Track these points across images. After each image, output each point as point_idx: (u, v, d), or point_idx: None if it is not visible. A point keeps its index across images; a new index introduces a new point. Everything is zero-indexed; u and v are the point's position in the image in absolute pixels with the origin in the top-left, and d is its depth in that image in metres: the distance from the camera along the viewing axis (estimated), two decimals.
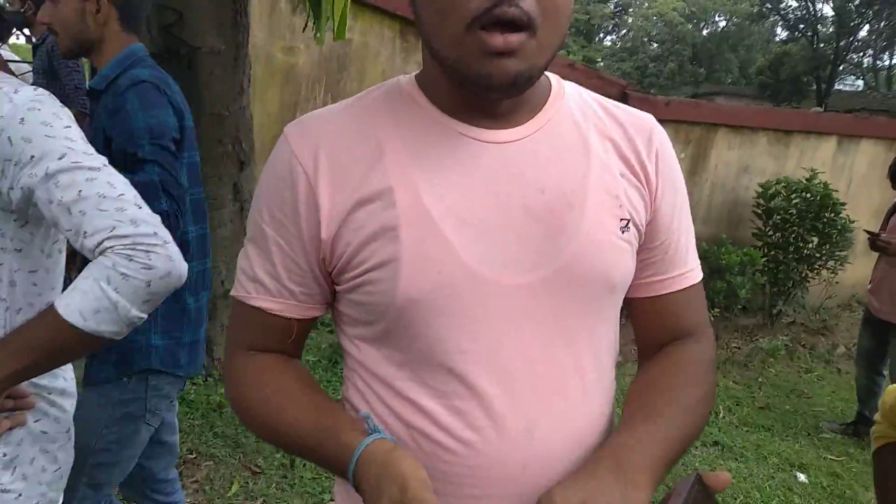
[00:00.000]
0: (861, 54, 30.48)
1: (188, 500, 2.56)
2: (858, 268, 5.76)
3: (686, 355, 0.86)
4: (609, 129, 0.83)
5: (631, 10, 30.63)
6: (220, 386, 3.32)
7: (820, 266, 5.24)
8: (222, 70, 2.85)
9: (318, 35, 2.48)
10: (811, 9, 27.56)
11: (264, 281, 0.81)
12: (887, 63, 31.86)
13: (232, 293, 0.85)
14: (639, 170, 0.82)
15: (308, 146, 0.77)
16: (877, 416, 1.27)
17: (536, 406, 0.77)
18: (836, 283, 5.47)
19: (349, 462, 0.72)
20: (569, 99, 0.84)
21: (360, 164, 0.76)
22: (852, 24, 26.58)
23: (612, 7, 31.50)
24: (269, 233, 0.79)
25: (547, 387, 0.78)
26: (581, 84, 0.89)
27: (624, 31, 32.08)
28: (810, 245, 5.19)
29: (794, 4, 27.61)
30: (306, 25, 2.87)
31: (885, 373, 3.83)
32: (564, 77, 0.88)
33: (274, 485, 2.74)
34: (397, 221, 0.74)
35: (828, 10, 27.68)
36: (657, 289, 0.87)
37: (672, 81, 25.95)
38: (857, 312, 6.26)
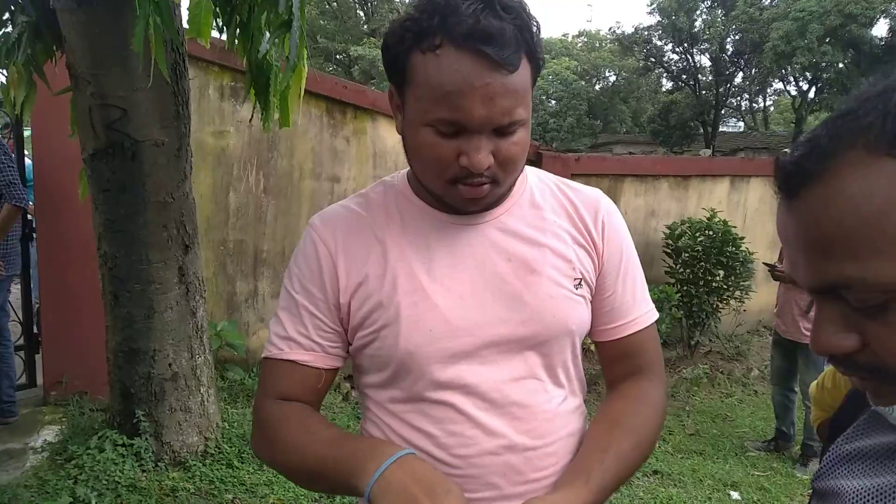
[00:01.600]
0: (739, 98, 33.21)
1: None
2: (761, 295, 6.28)
3: (640, 396, 1.06)
4: (563, 204, 1.06)
5: None
6: (171, 471, 3.29)
7: (728, 297, 5.70)
8: (166, 160, 2.95)
9: (266, 124, 2.64)
10: (690, 60, 29.95)
11: (297, 339, 1.00)
12: (762, 105, 34.82)
13: (265, 355, 1.03)
14: (587, 237, 1.05)
15: (329, 232, 1.01)
16: (812, 406, 1.53)
17: (512, 422, 0.97)
18: (744, 310, 5.95)
19: (374, 471, 0.82)
20: (529, 183, 1.06)
21: (366, 248, 1.00)
22: (727, 72, 29.02)
23: None
24: (300, 300, 1.00)
25: (521, 410, 0.98)
26: None
27: None
28: (717, 278, 5.64)
29: (676, 58, 29.94)
30: (252, 117, 3.03)
31: (797, 389, 4.22)
32: None
33: None
34: (396, 293, 0.96)
35: (705, 61, 30.14)
36: (612, 333, 1.08)
37: (572, 134, 27.38)
38: (765, 336, 6.79)
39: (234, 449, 3.55)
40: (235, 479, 3.32)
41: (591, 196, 1.08)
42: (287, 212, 4.63)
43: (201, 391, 3.41)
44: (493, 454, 0.96)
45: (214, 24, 2.34)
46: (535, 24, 0.87)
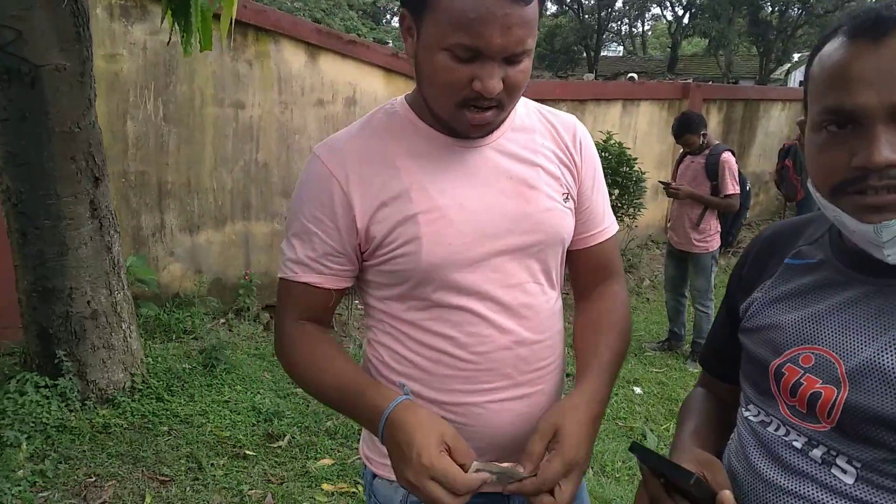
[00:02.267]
0: (619, 23, 34.09)
1: None
2: (651, 212, 6.76)
3: (614, 297, 1.22)
4: (548, 128, 1.16)
5: None
6: (100, 409, 3.23)
7: (622, 214, 6.08)
8: (69, 87, 2.76)
9: (188, 48, 2.51)
10: None
11: (308, 263, 1.09)
12: (640, 30, 35.95)
13: (280, 276, 1.12)
14: (569, 156, 1.16)
15: (338, 163, 1.06)
16: None
17: (521, 321, 1.10)
18: (636, 226, 6.38)
19: (379, 423, 0.97)
20: (519, 110, 1.15)
21: (380, 175, 1.06)
22: None
23: None
24: (311, 228, 1.07)
25: (527, 310, 1.11)
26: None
27: None
28: (613, 197, 5.99)
29: None
30: (170, 40, 2.85)
31: (687, 294, 4.67)
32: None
33: (188, 488, 2.79)
34: (416, 211, 1.04)
35: None
36: (588, 241, 1.22)
37: None
38: (653, 249, 7.35)
39: (161, 383, 3.52)
40: (168, 412, 3.31)
41: (568, 121, 1.20)
42: (190, 140, 4.44)
43: (123, 327, 3.33)
44: (507, 349, 1.09)
45: None
46: None
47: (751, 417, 0.91)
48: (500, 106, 1.00)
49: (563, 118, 1.20)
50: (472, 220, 1.05)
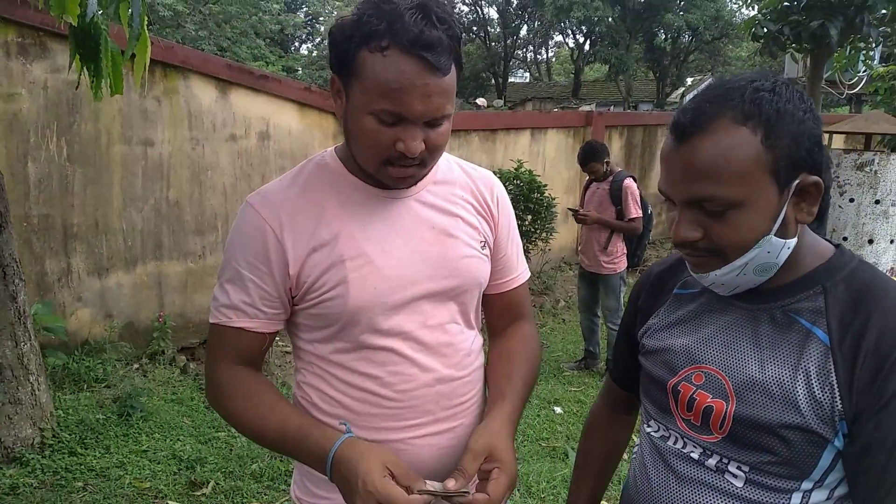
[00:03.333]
0: (525, 50, 35.28)
1: None
2: (562, 235, 7.02)
3: (525, 335, 1.34)
4: (467, 182, 1.27)
5: (322, 18, 31.53)
6: (6, 468, 3.06)
7: (536, 238, 6.30)
8: None
9: (98, 92, 2.46)
10: (480, 12, 31.16)
11: (243, 308, 1.14)
12: (545, 56, 37.32)
13: (212, 321, 1.16)
14: (486, 208, 1.27)
15: (272, 211, 1.13)
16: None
17: (441, 359, 1.19)
18: (549, 250, 6.62)
19: (325, 464, 1.05)
20: (441, 164, 1.25)
21: (311, 223, 1.13)
22: (514, 24, 30.67)
23: (302, 17, 32.04)
24: (245, 274, 1.13)
25: (447, 349, 1.20)
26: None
27: (318, 39, 32.93)
28: (526, 222, 6.21)
29: (466, 10, 30.96)
30: (78, 85, 2.78)
31: (600, 313, 4.89)
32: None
33: None
34: (344, 257, 1.12)
35: (493, 13, 31.51)
36: (502, 287, 1.33)
37: None
38: (566, 271, 7.62)
39: (73, 436, 3.37)
40: (82, 466, 3.17)
41: (486, 176, 1.31)
42: (97, 181, 4.29)
43: (31, 380, 3.18)
44: (428, 386, 1.17)
45: None
46: (462, 33, 1.04)
47: (652, 433, 1.05)
48: (423, 163, 1.09)
49: (482, 173, 1.30)
50: (396, 265, 1.13)
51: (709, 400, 0.94)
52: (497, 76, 31.37)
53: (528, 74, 38.47)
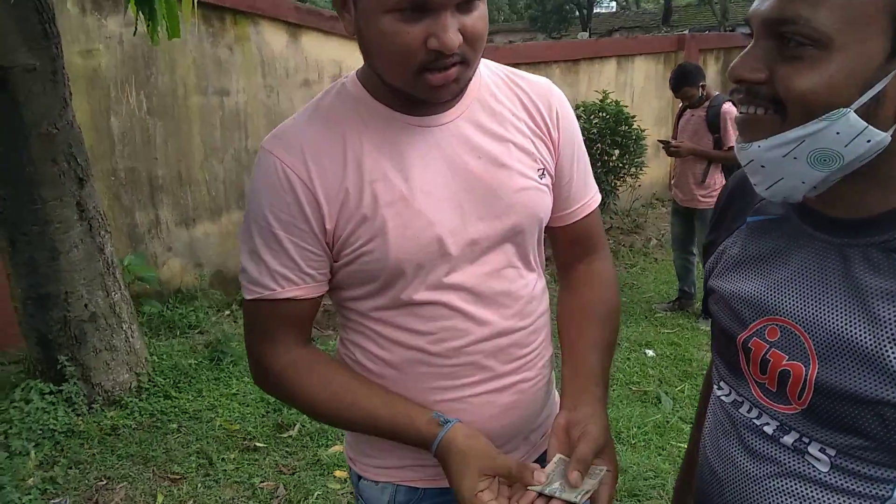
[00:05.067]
0: None
1: None
2: (653, 170, 6.63)
3: (601, 279, 1.14)
4: (518, 95, 1.05)
5: None
6: (107, 411, 3.20)
7: (624, 174, 5.98)
8: (41, 87, 2.68)
9: (155, 36, 2.41)
10: None
11: (287, 275, 0.96)
12: None
13: (250, 298, 0.99)
14: (543, 127, 1.06)
15: (296, 157, 0.94)
16: None
17: (499, 310, 1.02)
18: (639, 186, 6.27)
19: (431, 447, 0.95)
20: (484, 77, 1.05)
21: (338, 166, 0.94)
22: None
23: None
24: (281, 234, 0.95)
25: (505, 298, 1.03)
26: None
27: None
28: (613, 157, 5.88)
29: None
30: (136, 30, 2.75)
31: (695, 251, 4.58)
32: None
33: (199, 485, 2.76)
34: (378, 205, 0.93)
35: None
36: (569, 218, 1.13)
37: None
38: (658, 208, 7.24)
39: (168, 380, 3.48)
40: (177, 409, 3.28)
41: (542, 85, 1.08)
42: (177, 133, 4.35)
43: (124, 328, 3.29)
44: (485, 340, 1.01)
45: None
46: None
47: (723, 397, 0.85)
48: (465, 61, 0.88)
49: (536, 83, 1.08)
50: (439, 208, 0.96)
51: (785, 362, 0.73)
52: (581, 7, 29.93)
53: (613, 4, 36.56)
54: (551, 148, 1.07)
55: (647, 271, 5.65)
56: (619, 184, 6.03)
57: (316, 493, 2.67)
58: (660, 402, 3.35)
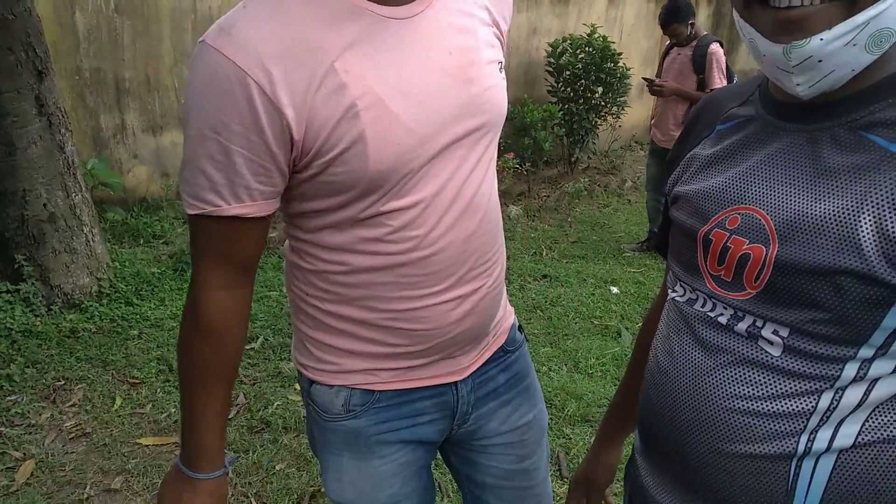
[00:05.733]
0: None
1: (70, 423, 2.53)
2: (635, 111, 6.57)
3: None
4: None
5: None
6: (66, 313, 3.16)
7: (606, 113, 5.91)
8: None
9: None
10: None
11: (234, 190, 0.86)
12: None
13: (193, 213, 0.88)
14: (497, 19, 1.03)
15: (253, 59, 0.81)
16: None
17: (471, 215, 0.99)
18: (619, 126, 6.22)
19: (187, 470, 0.98)
20: None
21: (307, 65, 0.83)
22: None
23: None
24: (230, 146, 0.83)
25: (479, 199, 1.00)
26: None
27: None
28: (597, 95, 5.80)
29: None
30: None
31: None
32: None
33: (158, 389, 2.76)
34: (356, 108, 0.85)
35: None
36: None
37: None
38: (636, 151, 7.21)
39: (130, 287, 3.44)
40: (138, 315, 3.25)
41: None
42: (146, 34, 4.15)
43: (84, 231, 3.21)
44: (455, 247, 0.98)
45: None
46: None
47: (677, 298, 0.85)
48: None
49: None
50: (418, 111, 0.89)
51: (745, 247, 0.73)
52: None
53: None
54: (501, 41, 1.04)
55: (620, 212, 5.66)
56: (599, 122, 5.98)
57: (276, 404, 2.68)
58: (619, 336, 3.41)
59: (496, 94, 0.99)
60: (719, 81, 4.04)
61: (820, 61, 0.65)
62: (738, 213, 0.75)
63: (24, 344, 2.93)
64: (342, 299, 1.00)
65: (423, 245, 0.95)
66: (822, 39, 0.64)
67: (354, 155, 0.86)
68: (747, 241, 0.73)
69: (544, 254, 4.58)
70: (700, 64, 4.08)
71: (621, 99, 5.82)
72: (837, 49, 0.64)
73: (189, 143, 0.86)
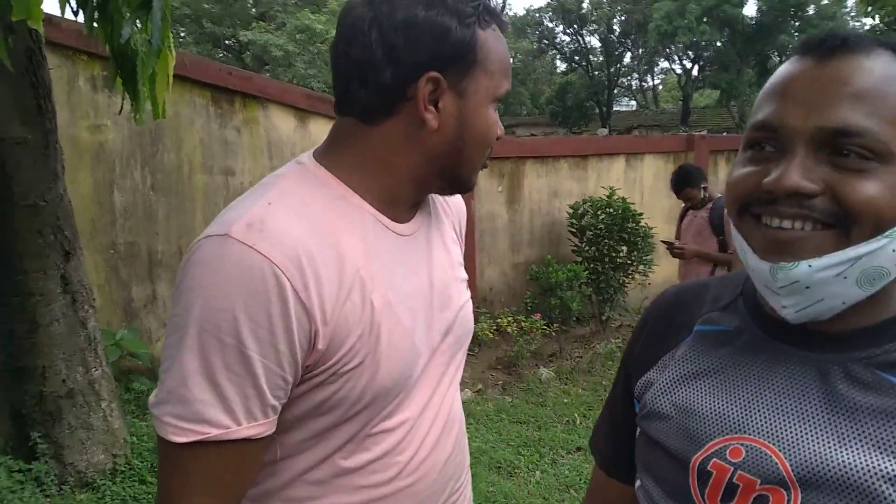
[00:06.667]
0: (629, 77, 34.55)
1: None
2: (664, 267, 6.53)
3: None
4: (445, 209, 1.04)
5: None
6: (78, 493, 3.06)
7: (633, 271, 5.90)
8: (32, 159, 2.70)
9: (138, 116, 2.45)
10: (581, 41, 30.84)
11: (248, 406, 0.74)
12: (651, 83, 36.37)
13: (189, 440, 0.73)
14: (460, 238, 1.06)
15: (290, 258, 0.74)
16: None
17: (450, 433, 0.96)
18: (649, 283, 6.17)
19: None
20: None
21: (336, 272, 0.78)
22: (616, 52, 30.11)
23: None
24: (250, 354, 0.73)
25: (456, 415, 0.98)
26: None
27: None
28: (621, 254, 5.82)
29: (567, 39, 30.77)
30: (122, 108, 2.81)
31: None
32: None
33: None
34: (378, 322, 0.80)
35: (595, 42, 31.09)
36: None
37: None
38: None
39: (145, 464, 3.34)
40: (150, 496, 3.12)
41: (457, 199, 1.08)
42: (180, 209, 4.38)
43: (102, 406, 3.18)
44: (437, 470, 0.93)
45: (69, 5, 2.12)
46: None
47: None
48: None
49: (455, 196, 1.06)
50: (420, 326, 0.88)
51: (759, 487, 0.63)
52: (601, 105, 30.79)
53: (634, 102, 37.58)
54: (462, 259, 1.07)
55: None
56: (627, 281, 5.95)
57: None
58: None
59: (468, 311, 1.00)
60: None
61: (808, 287, 0.62)
62: (741, 445, 0.66)
63: None
64: None
65: (404, 473, 0.88)
66: (810, 266, 0.62)
67: (365, 368, 0.80)
68: (759, 481, 0.63)
69: (578, 422, 4.35)
70: (718, 226, 4.09)
71: (647, 258, 5.82)
72: (827, 279, 0.62)
73: (187, 352, 0.72)
